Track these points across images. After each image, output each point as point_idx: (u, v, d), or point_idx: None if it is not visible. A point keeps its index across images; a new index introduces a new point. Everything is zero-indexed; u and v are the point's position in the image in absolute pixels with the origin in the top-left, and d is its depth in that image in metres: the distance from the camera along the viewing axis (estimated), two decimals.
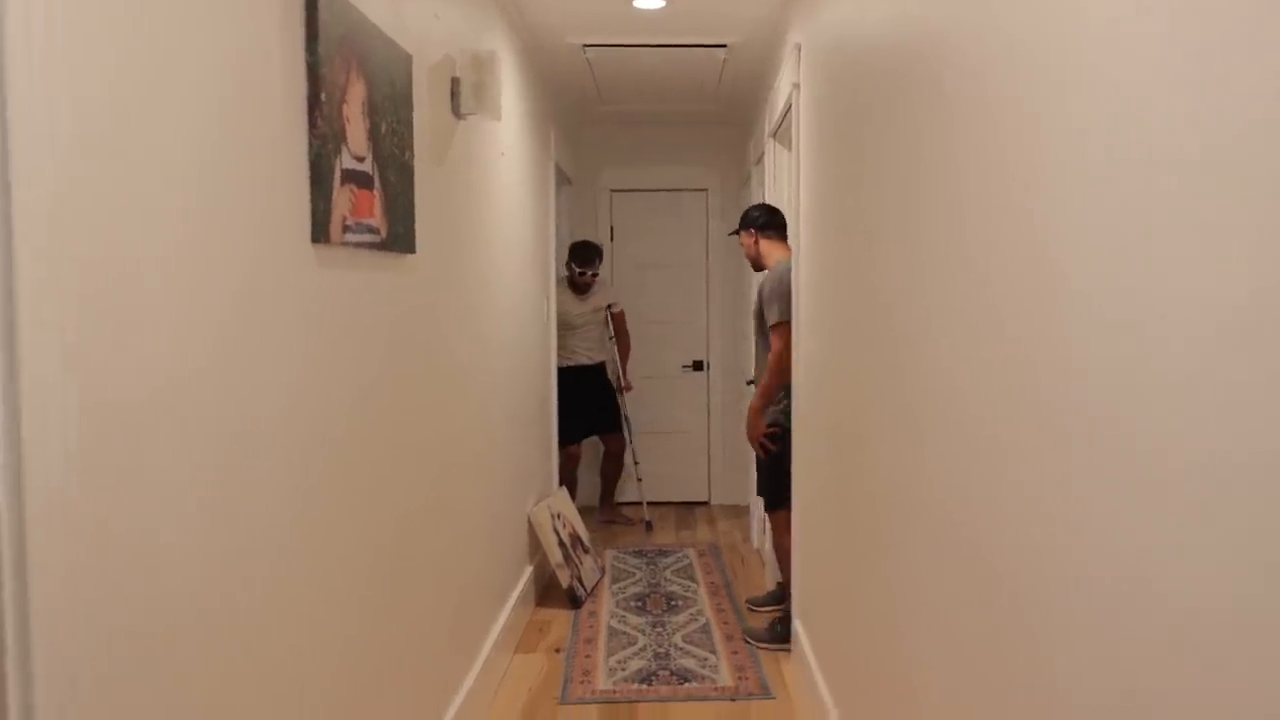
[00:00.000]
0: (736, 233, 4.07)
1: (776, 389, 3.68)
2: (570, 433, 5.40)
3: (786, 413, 3.62)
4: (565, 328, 5.44)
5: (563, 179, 5.55)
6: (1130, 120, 0.96)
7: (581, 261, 5.47)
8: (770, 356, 3.70)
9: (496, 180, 3.49)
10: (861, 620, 2.26)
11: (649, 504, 5.88)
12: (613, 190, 6.23)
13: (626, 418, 5.77)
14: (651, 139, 6.15)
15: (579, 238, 5.94)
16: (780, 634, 3.60)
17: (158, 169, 1.21)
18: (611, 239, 6.13)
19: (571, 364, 5.48)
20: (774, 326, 3.68)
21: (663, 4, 3.73)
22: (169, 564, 1.23)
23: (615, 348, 5.75)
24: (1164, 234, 0.90)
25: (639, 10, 3.81)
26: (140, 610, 1.17)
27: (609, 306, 5.67)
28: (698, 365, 6.24)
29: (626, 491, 5.97)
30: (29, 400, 0.96)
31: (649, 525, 5.68)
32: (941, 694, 1.58)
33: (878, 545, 2.08)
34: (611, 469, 5.71)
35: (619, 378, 5.77)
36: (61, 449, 1.01)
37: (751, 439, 3.80)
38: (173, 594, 1.24)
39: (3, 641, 0.93)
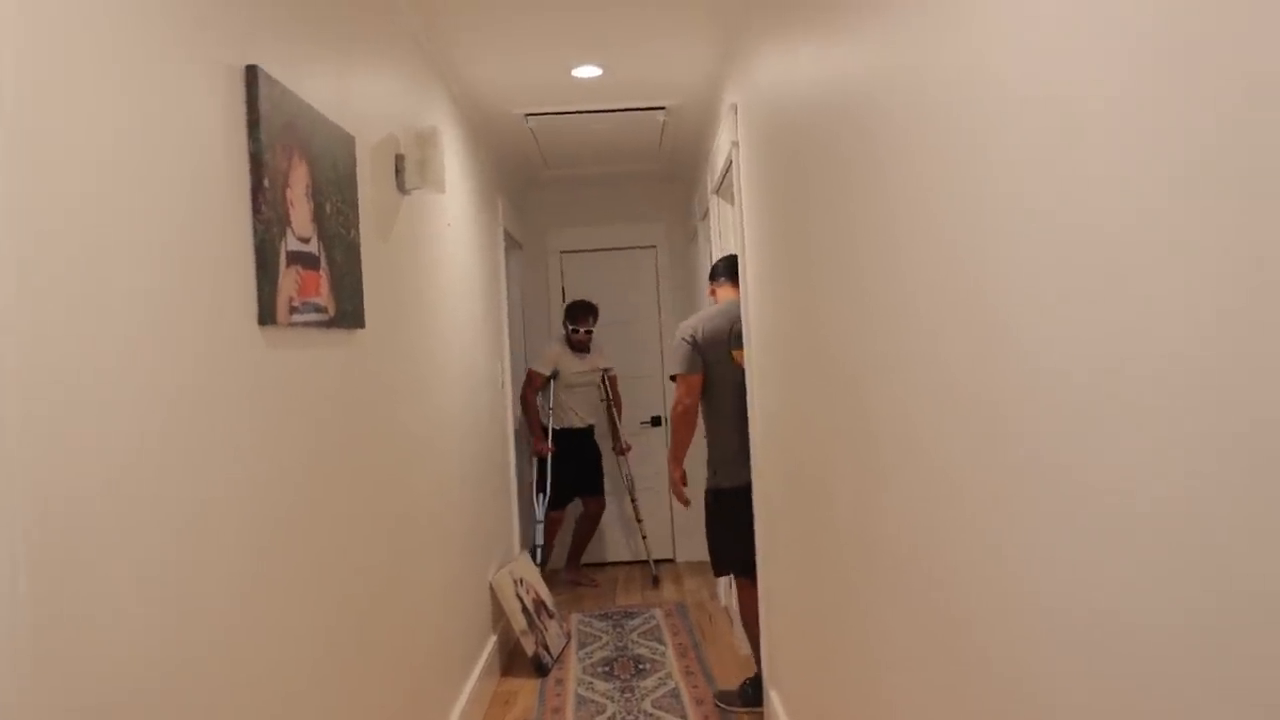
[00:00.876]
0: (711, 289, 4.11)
1: (681, 442, 3.80)
2: (561, 497, 5.42)
3: (717, 473, 3.66)
4: (565, 387, 5.51)
5: (512, 244, 5.59)
6: (1040, 172, 1.00)
7: (574, 319, 5.55)
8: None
9: (444, 250, 3.51)
10: (834, 679, 2.25)
11: (655, 561, 5.95)
12: (563, 252, 6.28)
13: (630, 476, 5.85)
14: (598, 200, 6.23)
15: (534, 300, 6.09)
16: (751, 696, 3.57)
17: (101, 261, 1.21)
18: (563, 300, 6.16)
19: (565, 426, 5.53)
20: (672, 379, 3.84)
21: (600, 72, 3.80)
22: (119, 659, 1.21)
23: (614, 411, 5.82)
24: (1084, 285, 0.93)
25: (577, 79, 3.88)
26: (93, 709, 1.14)
27: (606, 370, 5.71)
28: (655, 421, 6.25)
29: (620, 550, 6.10)
30: None
31: (656, 580, 5.72)
32: None
33: (845, 597, 2.08)
34: (586, 530, 5.71)
35: (618, 441, 5.82)
36: (8, 546, 1.00)
37: (674, 490, 3.96)
38: (124, 688, 1.22)
39: None
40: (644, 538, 5.92)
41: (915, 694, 1.56)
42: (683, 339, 3.68)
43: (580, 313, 5.57)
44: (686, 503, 3.98)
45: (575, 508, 5.77)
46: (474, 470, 3.91)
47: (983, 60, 1.15)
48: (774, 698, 3.20)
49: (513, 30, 3.32)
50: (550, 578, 5.50)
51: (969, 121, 1.20)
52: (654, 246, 6.30)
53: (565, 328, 5.63)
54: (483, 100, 4.11)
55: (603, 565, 6.12)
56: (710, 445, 3.72)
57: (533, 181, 6.01)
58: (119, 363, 1.25)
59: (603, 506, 5.73)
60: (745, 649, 4.17)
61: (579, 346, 5.58)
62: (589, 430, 5.66)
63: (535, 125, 4.55)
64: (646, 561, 5.93)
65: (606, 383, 5.78)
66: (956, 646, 1.36)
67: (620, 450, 5.84)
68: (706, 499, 3.72)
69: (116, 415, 1.23)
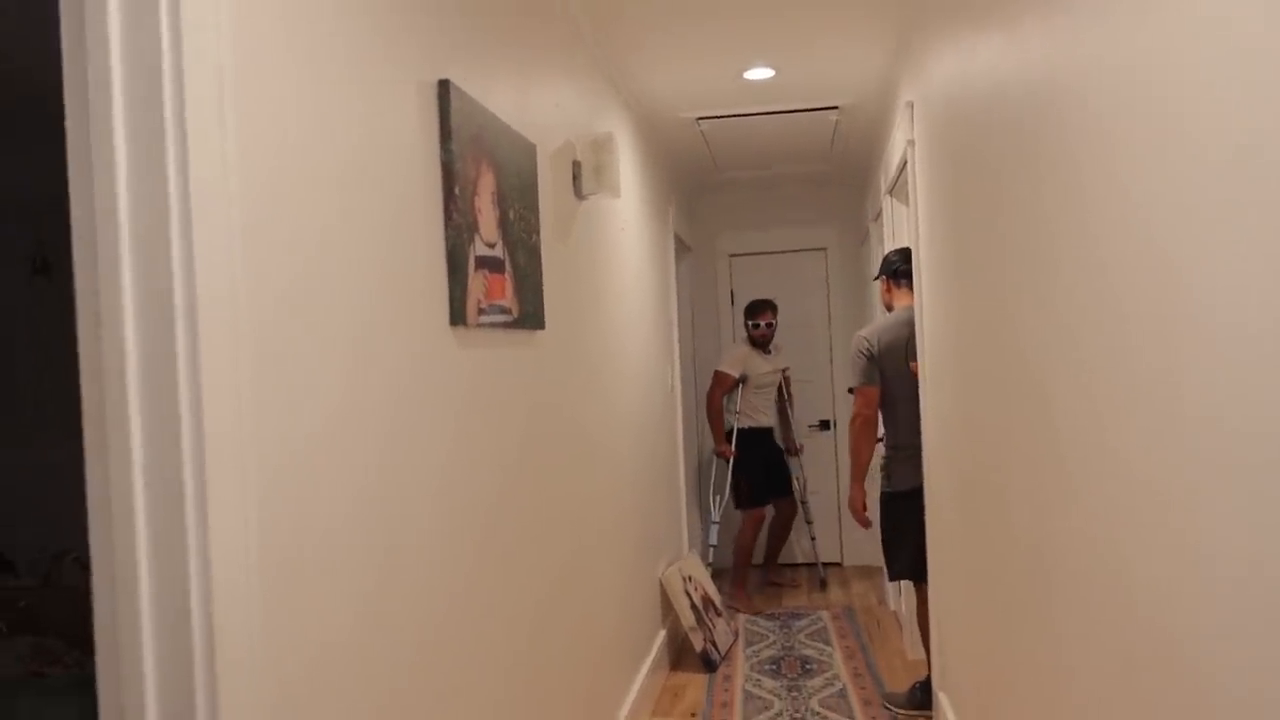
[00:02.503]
0: (879, 277, 4.04)
1: (860, 459, 3.72)
2: (760, 496, 5.46)
3: (891, 477, 3.60)
4: (755, 388, 5.55)
5: (682, 248, 5.66)
6: (1254, 159, 0.97)
7: (753, 314, 5.58)
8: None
9: (618, 255, 3.61)
10: (1007, 683, 2.21)
11: (823, 564, 5.93)
12: (731, 255, 6.31)
13: (802, 478, 5.86)
14: (768, 202, 6.23)
15: (703, 304, 6.13)
16: (920, 700, 3.52)
17: (322, 262, 1.34)
18: (732, 303, 6.19)
19: (752, 425, 5.56)
20: (850, 391, 3.72)
21: (772, 73, 3.82)
22: (338, 658, 1.33)
23: (791, 410, 5.83)
24: None
25: (749, 81, 3.91)
26: (311, 707, 1.26)
27: (784, 370, 5.74)
28: (824, 425, 6.21)
29: (786, 551, 6.05)
30: (216, 507, 1.06)
31: (823, 583, 5.71)
32: None
33: (1020, 600, 2.04)
34: (782, 532, 5.72)
35: (790, 441, 5.84)
36: (244, 545, 1.11)
37: (853, 513, 3.85)
38: (340, 685, 1.33)
39: None
40: (813, 539, 5.89)
41: (1099, 700, 1.52)
42: (859, 351, 3.63)
43: (759, 308, 5.58)
44: (868, 525, 3.88)
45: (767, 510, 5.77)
46: (646, 470, 4.00)
47: (1180, 45, 1.13)
48: (943, 700, 3.15)
49: (685, 35, 3.38)
50: (748, 576, 5.48)
51: (1169, 106, 1.17)
52: (824, 249, 6.25)
53: (747, 327, 5.64)
54: (655, 105, 4.19)
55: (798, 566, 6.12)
56: (886, 449, 3.68)
57: (703, 185, 6.07)
58: (333, 354, 1.37)
59: (795, 508, 5.70)
60: (914, 653, 4.10)
61: (761, 343, 5.57)
62: (772, 431, 5.67)
63: (706, 128, 4.61)
64: (814, 564, 5.90)
65: (784, 382, 5.77)
66: (1145, 655, 1.32)
67: (793, 451, 5.82)
68: (881, 501, 3.69)
69: (329, 400, 1.35)
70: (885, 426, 3.70)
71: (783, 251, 6.27)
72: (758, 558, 5.76)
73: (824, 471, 6.18)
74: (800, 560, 6.13)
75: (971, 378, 2.46)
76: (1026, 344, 1.90)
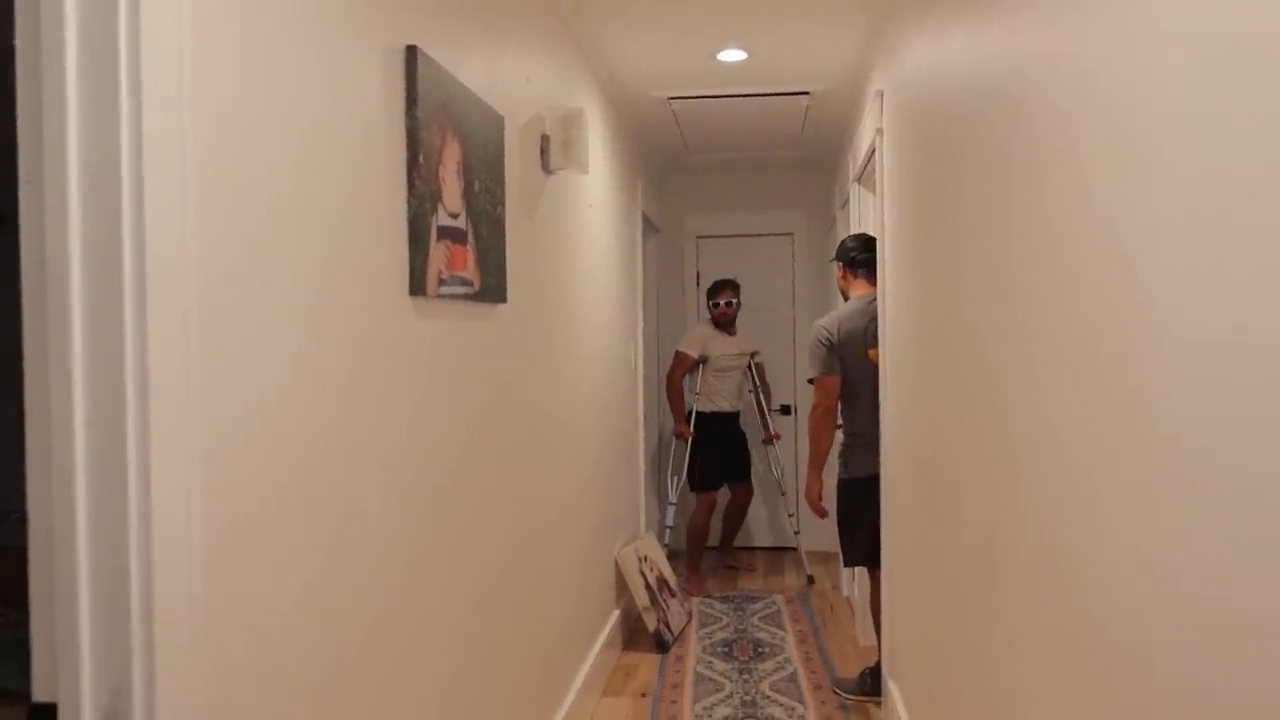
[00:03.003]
0: (835, 261, 4.05)
1: (819, 448, 3.73)
2: (713, 480, 5.46)
3: (849, 465, 3.64)
4: (716, 371, 5.51)
5: (650, 227, 5.64)
6: (1212, 158, 0.98)
7: (714, 293, 5.54)
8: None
9: (584, 231, 3.59)
10: (955, 674, 2.23)
11: (807, 553, 5.89)
12: (699, 237, 6.30)
13: (781, 465, 5.87)
14: (737, 185, 6.22)
15: (669, 285, 6.11)
16: (870, 686, 3.55)
17: (277, 224, 1.31)
18: (698, 285, 6.19)
19: (713, 410, 5.52)
20: (810, 382, 3.75)
21: (745, 56, 3.81)
22: (284, 627, 1.31)
23: (762, 398, 5.79)
24: (1259, 285, 0.91)
25: (722, 63, 3.89)
26: (254, 675, 1.24)
27: (753, 355, 5.71)
28: (785, 409, 6.23)
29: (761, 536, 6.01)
30: (158, 462, 1.04)
31: (811, 580, 5.58)
32: None
33: (969, 592, 2.06)
34: (737, 516, 5.72)
35: (766, 429, 5.81)
36: (186, 519, 1.09)
37: (809, 502, 3.88)
38: (285, 655, 1.32)
39: None
40: (796, 533, 5.84)
41: (1039, 692, 1.54)
42: (819, 340, 3.65)
43: (720, 287, 5.55)
44: (824, 515, 3.90)
45: (723, 493, 5.75)
46: (606, 449, 4.00)
47: (1140, 37, 1.13)
48: (893, 689, 3.18)
49: (660, 13, 3.36)
50: (700, 559, 5.44)
51: (1129, 100, 1.17)
52: (791, 234, 6.26)
53: (709, 307, 5.61)
54: (627, 82, 4.17)
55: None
56: (844, 435, 3.71)
57: (672, 165, 6.05)
58: (287, 319, 1.34)
59: (750, 493, 5.70)
60: (866, 639, 4.15)
61: (724, 323, 5.53)
62: (735, 416, 5.63)
63: (678, 108, 4.59)
64: (787, 550, 5.93)
65: (754, 369, 5.74)
66: (1087, 646, 1.33)
67: (769, 440, 5.82)
68: (838, 487, 3.71)
69: (282, 365, 1.33)
70: (844, 414, 3.72)
71: (750, 235, 6.27)
72: (713, 541, 5.78)
73: (785, 456, 6.20)
74: (757, 544, 6.16)
75: (930, 368, 2.48)
76: (984, 336, 1.91)
